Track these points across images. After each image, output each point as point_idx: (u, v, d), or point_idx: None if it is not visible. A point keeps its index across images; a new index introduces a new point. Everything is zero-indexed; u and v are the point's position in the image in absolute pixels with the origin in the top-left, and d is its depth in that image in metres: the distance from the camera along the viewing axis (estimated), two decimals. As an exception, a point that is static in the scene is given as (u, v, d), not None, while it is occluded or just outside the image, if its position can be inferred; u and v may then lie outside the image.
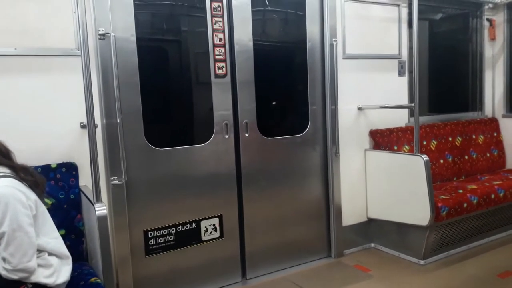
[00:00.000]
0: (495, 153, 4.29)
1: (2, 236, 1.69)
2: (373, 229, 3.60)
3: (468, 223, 3.44)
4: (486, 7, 4.30)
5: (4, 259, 1.71)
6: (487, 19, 4.35)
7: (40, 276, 1.78)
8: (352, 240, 3.54)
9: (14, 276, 1.71)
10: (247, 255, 3.09)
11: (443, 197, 3.25)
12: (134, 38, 2.59)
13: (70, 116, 2.40)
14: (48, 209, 1.95)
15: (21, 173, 1.83)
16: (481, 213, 3.48)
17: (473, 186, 3.50)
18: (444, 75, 4.40)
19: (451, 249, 3.39)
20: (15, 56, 2.26)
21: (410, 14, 3.58)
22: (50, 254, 1.86)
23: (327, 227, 3.45)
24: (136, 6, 2.60)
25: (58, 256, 1.89)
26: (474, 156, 4.13)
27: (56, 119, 2.38)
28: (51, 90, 2.36)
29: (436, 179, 3.76)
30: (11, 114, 2.26)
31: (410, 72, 3.67)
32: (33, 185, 1.85)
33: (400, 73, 3.72)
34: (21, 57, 2.27)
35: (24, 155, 1.92)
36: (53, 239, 1.90)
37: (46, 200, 2.01)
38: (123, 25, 2.56)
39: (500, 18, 4.35)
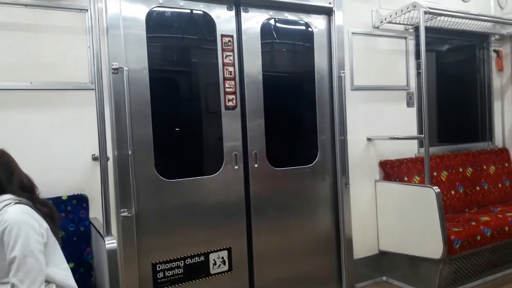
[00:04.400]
0: (507, 184, 4.23)
1: (13, 261, 1.67)
2: (384, 262, 3.53)
3: (482, 256, 3.36)
4: (493, 38, 4.35)
5: (13, 286, 1.69)
6: (494, 50, 4.38)
7: (47, 309, 1.75)
8: (364, 273, 3.47)
9: None
10: (256, 289, 3.04)
11: (456, 229, 3.18)
12: (146, 71, 2.65)
13: (82, 149, 2.43)
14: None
15: (38, 204, 1.85)
16: (495, 246, 3.40)
17: (486, 218, 3.43)
18: (453, 105, 4.41)
19: (466, 283, 3.30)
20: (31, 91, 2.31)
21: (417, 45, 3.64)
22: (58, 286, 1.84)
23: (338, 259, 3.39)
24: (149, 40, 2.66)
25: (66, 289, 1.87)
26: (486, 187, 4.08)
27: (69, 152, 2.41)
28: (64, 123, 2.40)
29: (448, 210, 3.70)
30: (25, 146, 2.29)
31: (419, 103, 3.69)
32: (48, 216, 1.86)
33: (409, 104, 3.74)
34: (36, 91, 2.32)
35: (36, 188, 1.95)
36: (62, 270, 1.89)
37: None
38: (136, 58, 2.61)
39: (507, 49, 4.38)
